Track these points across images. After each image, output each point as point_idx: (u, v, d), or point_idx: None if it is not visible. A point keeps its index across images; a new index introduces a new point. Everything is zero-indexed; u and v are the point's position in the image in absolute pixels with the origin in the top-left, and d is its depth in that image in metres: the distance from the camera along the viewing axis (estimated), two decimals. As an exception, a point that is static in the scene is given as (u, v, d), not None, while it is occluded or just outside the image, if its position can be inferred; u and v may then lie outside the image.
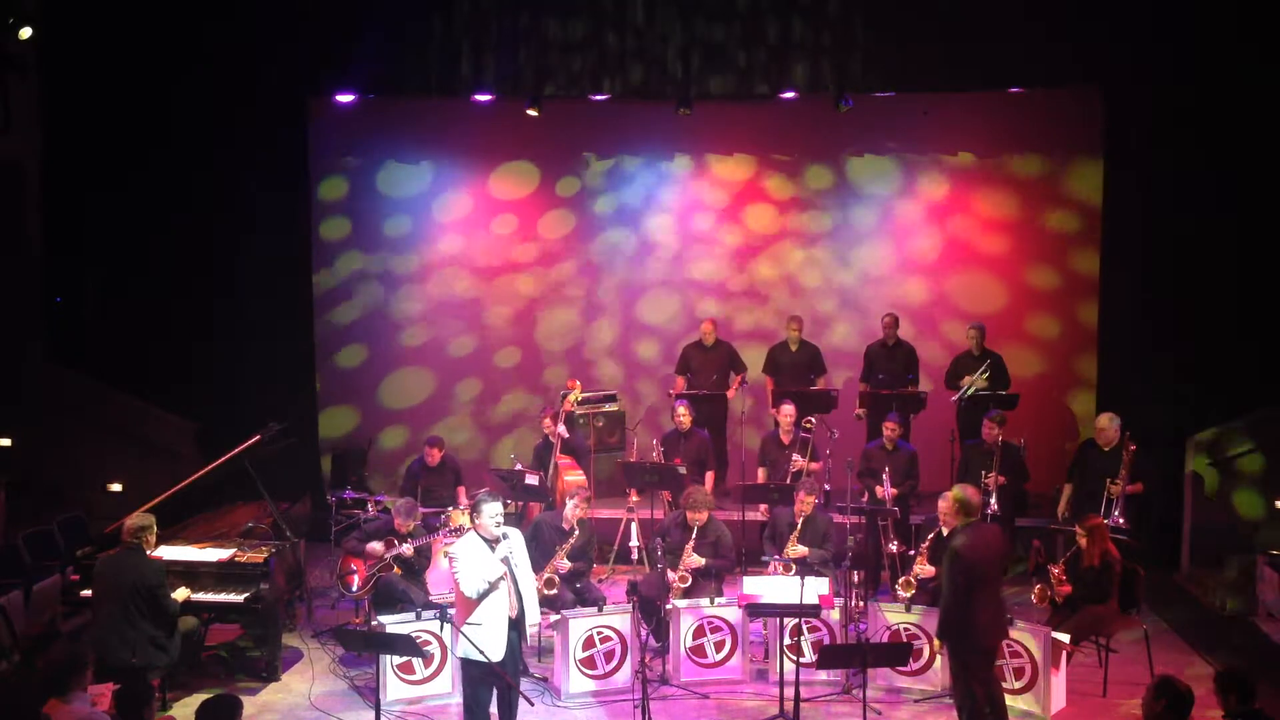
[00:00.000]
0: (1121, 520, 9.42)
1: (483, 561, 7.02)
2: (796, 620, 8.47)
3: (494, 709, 7.26)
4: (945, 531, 8.96)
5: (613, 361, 13.35)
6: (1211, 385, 11.05)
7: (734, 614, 8.72)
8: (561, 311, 13.34)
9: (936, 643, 7.67)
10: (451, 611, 8.41)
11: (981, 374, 11.14)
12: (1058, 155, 12.61)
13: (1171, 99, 11.05)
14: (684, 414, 10.82)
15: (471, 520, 7.24)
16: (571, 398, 11.02)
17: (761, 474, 10.61)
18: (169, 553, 8.65)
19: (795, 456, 10.44)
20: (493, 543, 7.07)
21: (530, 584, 7.34)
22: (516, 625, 7.15)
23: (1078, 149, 12.43)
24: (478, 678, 7.08)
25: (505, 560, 7.02)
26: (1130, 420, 9.92)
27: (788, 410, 10.60)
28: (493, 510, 7.09)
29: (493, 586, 6.99)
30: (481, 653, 6.95)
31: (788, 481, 10.12)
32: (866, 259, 13.06)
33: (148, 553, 8.01)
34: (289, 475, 11.04)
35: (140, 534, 7.93)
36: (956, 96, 12.09)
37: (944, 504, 8.92)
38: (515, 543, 7.16)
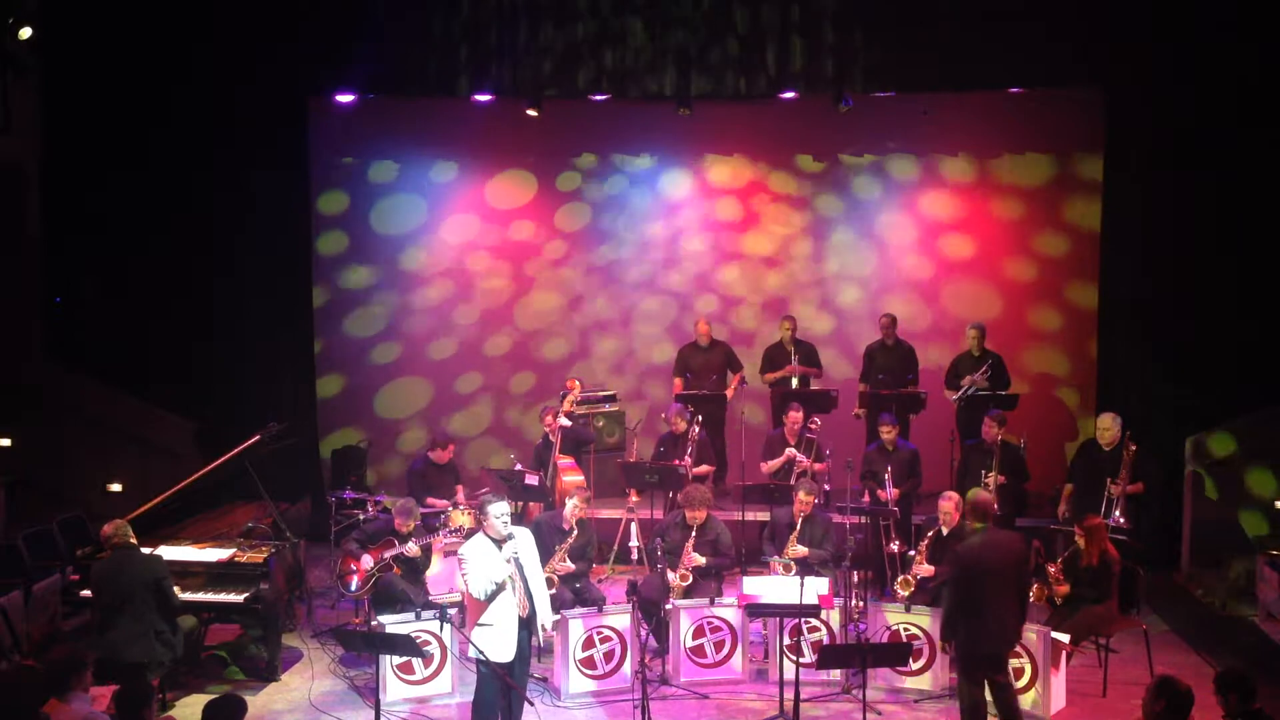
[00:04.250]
0: (1122, 520, 9.43)
1: (491, 562, 7.03)
2: (796, 620, 8.47)
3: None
4: (945, 531, 9.00)
5: (613, 361, 13.34)
6: (1211, 385, 11.05)
7: (734, 614, 8.72)
8: (561, 311, 13.33)
9: (941, 645, 7.67)
10: (451, 612, 8.46)
11: (982, 374, 11.14)
12: (1058, 155, 12.60)
13: (1171, 99, 11.05)
14: (676, 417, 10.81)
15: (478, 521, 7.26)
16: (571, 398, 11.03)
17: (764, 466, 10.62)
18: (169, 553, 8.65)
19: (799, 456, 10.45)
20: (500, 542, 7.08)
21: (542, 583, 7.38)
22: (527, 625, 7.16)
23: (1078, 149, 12.43)
24: (486, 678, 7.09)
25: (513, 560, 7.03)
26: (1130, 420, 9.93)
27: (795, 416, 10.60)
28: (499, 510, 7.11)
29: (500, 587, 7.00)
30: (481, 653, 6.96)
31: (791, 481, 10.12)
32: (866, 259, 13.05)
33: (140, 548, 8.02)
34: (289, 475, 11.04)
35: (125, 532, 7.94)
36: (956, 96, 12.09)
37: (945, 503, 8.99)
38: (523, 542, 7.18)
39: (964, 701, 7.41)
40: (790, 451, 10.49)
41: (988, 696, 7.43)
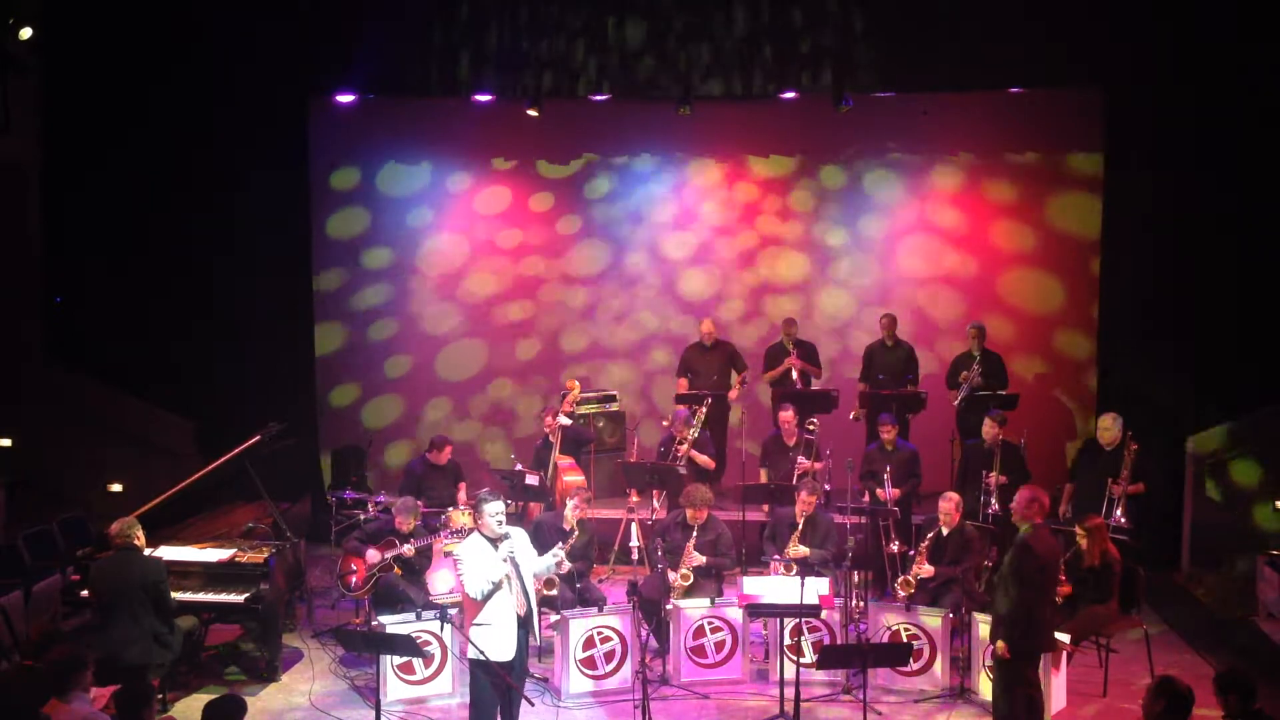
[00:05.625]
0: (1123, 520, 9.42)
1: (486, 562, 7.02)
2: (796, 620, 8.47)
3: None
4: (945, 531, 9.00)
5: (613, 361, 13.33)
6: (1211, 385, 11.06)
7: (734, 614, 8.72)
8: (562, 311, 13.33)
9: (1001, 645, 7.30)
10: (452, 612, 8.45)
11: (975, 371, 11.13)
12: (1058, 155, 12.59)
13: (1171, 99, 11.05)
14: (681, 425, 10.80)
15: (474, 520, 7.25)
16: (571, 397, 11.03)
17: (763, 475, 10.62)
18: (169, 553, 8.66)
19: (800, 459, 10.45)
20: (496, 542, 7.08)
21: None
22: (525, 624, 7.16)
23: (1078, 149, 12.42)
24: (482, 678, 7.09)
25: (509, 559, 7.03)
26: (1130, 420, 9.93)
27: (786, 416, 10.61)
28: (494, 509, 7.10)
29: (497, 586, 7.00)
30: (481, 653, 6.96)
31: (793, 482, 10.12)
32: (865, 259, 13.04)
33: (144, 550, 8.03)
34: (289, 475, 11.04)
35: (130, 533, 7.95)
36: (956, 96, 12.08)
37: (945, 504, 8.99)
38: (518, 541, 7.17)
39: (1005, 708, 7.33)
40: (802, 461, 10.45)
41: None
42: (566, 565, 8.99)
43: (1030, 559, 7.18)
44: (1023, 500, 7.39)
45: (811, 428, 10.61)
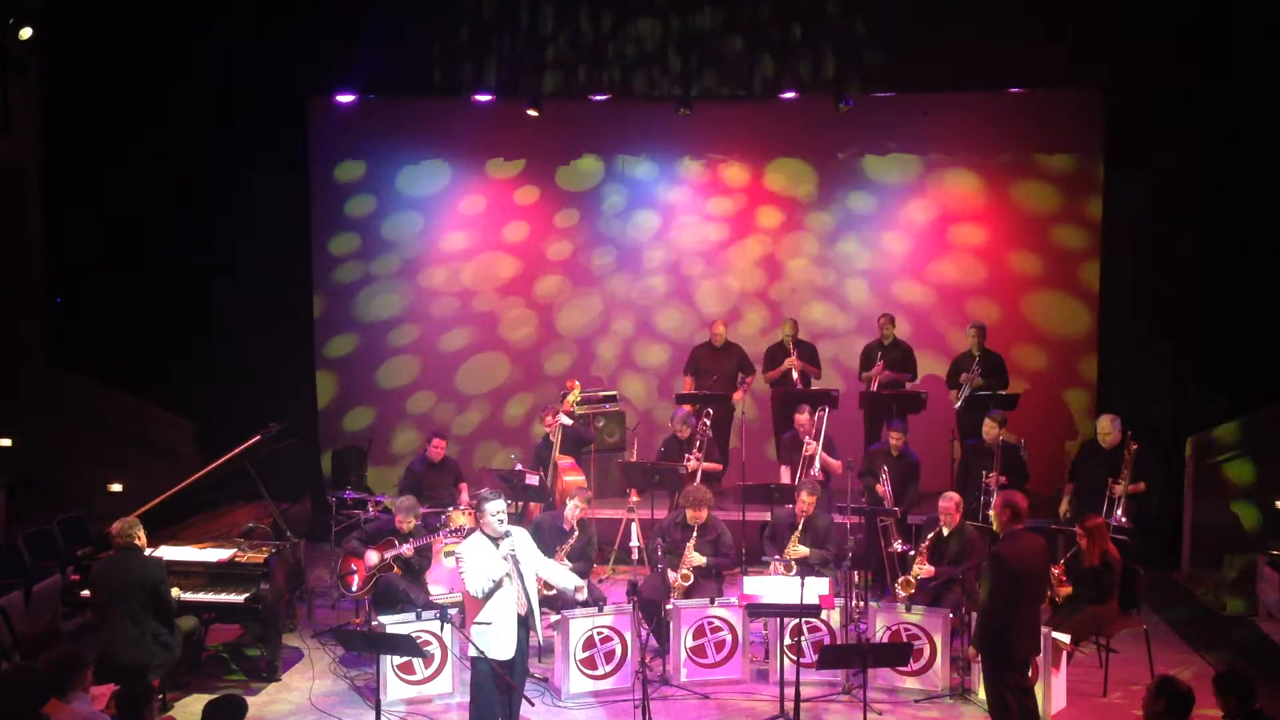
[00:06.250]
0: (1123, 520, 9.43)
1: (487, 560, 7.04)
2: (796, 620, 8.47)
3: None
4: (945, 531, 9.00)
5: (613, 362, 13.33)
6: (1211, 385, 11.06)
7: (734, 614, 8.72)
8: (561, 312, 13.33)
9: (972, 651, 7.44)
10: (452, 612, 8.45)
11: (976, 372, 11.13)
12: (1058, 155, 12.59)
13: (1171, 99, 11.05)
14: (681, 424, 10.78)
15: (475, 519, 7.27)
16: (571, 398, 11.02)
17: (785, 473, 10.61)
18: (169, 553, 8.66)
19: (808, 439, 10.42)
20: (497, 540, 7.09)
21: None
22: (526, 623, 7.17)
23: (1078, 149, 12.43)
24: (484, 676, 7.10)
25: (510, 558, 7.04)
26: (1130, 420, 9.93)
27: (801, 419, 10.60)
28: (495, 508, 7.12)
29: (497, 585, 7.01)
30: (481, 652, 6.97)
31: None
32: (865, 259, 13.05)
33: (144, 550, 8.03)
34: (289, 475, 11.04)
35: (131, 532, 7.94)
36: (956, 96, 12.09)
37: (945, 504, 8.99)
38: (520, 540, 7.18)
39: (997, 713, 7.33)
40: (810, 443, 10.42)
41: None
42: (567, 565, 8.99)
43: (1001, 571, 7.11)
44: (995, 508, 7.39)
45: (821, 414, 10.59)
